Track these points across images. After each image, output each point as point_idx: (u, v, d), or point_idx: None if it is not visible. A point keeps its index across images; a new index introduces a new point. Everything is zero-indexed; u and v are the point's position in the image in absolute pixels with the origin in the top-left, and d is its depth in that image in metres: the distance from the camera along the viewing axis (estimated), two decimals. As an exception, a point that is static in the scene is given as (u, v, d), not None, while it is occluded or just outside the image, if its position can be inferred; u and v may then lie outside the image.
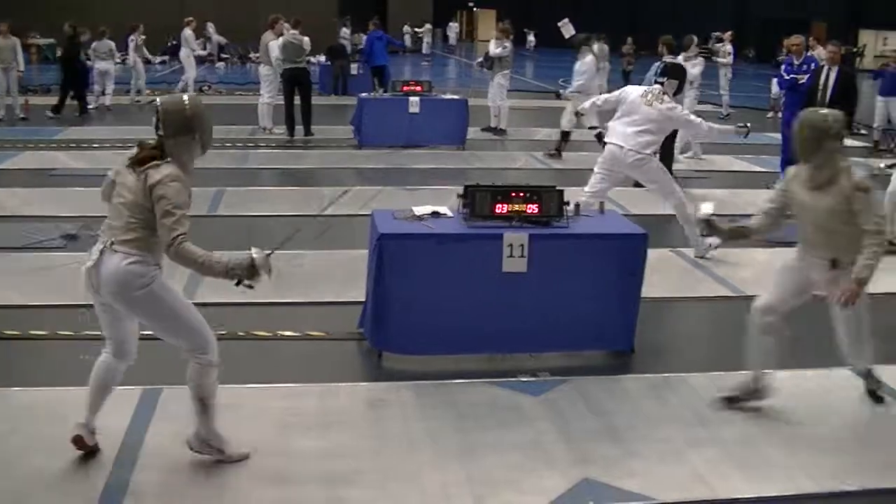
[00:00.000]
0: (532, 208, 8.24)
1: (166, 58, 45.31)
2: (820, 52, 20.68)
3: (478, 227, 8.18)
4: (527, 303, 8.24)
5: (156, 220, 5.93)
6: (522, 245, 8.09)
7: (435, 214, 8.50)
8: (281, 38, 21.05)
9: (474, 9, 73.03)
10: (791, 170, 7.41)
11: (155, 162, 6.00)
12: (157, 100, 6.24)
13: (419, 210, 8.55)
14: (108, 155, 18.34)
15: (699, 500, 6.27)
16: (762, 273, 11.10)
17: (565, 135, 19.72)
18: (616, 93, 12.13)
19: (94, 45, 25.94)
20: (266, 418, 7.11)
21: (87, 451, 6.42)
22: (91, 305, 6.38)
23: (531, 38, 66.81)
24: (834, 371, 8.27)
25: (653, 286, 8.81)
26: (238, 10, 42.89)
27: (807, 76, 16.70)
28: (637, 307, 8.50)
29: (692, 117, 11.84)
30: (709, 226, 7.57)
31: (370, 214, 8.75)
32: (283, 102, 21.40)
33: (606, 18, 61.52)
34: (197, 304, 9.59)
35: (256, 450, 6.54)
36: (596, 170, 11.86)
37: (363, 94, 21.53)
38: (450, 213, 8.53)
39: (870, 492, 6.46)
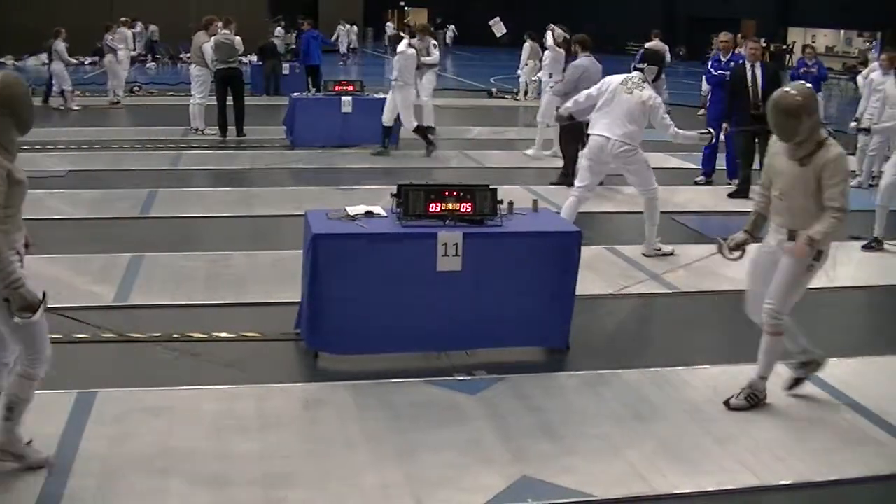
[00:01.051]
0: (466, 207, 8.24)
1: (96, 59, 44.94)
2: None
3: (412, 227, 8.17)
4: (462, 301, 8.24)
5: None
6: (456, 244, 8.09)
7: (369, 214, 8.48)
8: (213, 39, 20.93)
9: (406, 7, 73.01)
10: (772, 142, 7.46)
11: None
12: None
13: (353, 210, 8.53)
14: (39, 157, 18.22)
15: (637, 495, 6.29)
16: (695, 270, 11.24)
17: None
18: (596, 86, 12.15)
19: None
20: (202, 421, 7.06)
21: None
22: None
23: (450, 33, 66.85)
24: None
25: (587, 283, 8.86)
26: (169, 9, 42.63)
27: (728, 72, 16.95)
28: (572, 304, 8.52)
29: (667, 117, 11.78)
30: (735, 248, 7.76)
31: (303, 214, 8.72)
32: (214, 103, 21.29)
33: (535, 16, 61.81)
34: (128, 307, 9.62)
35: (48, 463, 6.36)
36: (583, 163, 11.91)
37: (295, 94, 21.45)
38: (384, 213, 8.52)
39: (806, 484, 6.53)
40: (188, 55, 23.43)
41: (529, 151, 19.72)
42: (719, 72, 17.31)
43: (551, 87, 18.85)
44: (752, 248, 7.79)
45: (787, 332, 7.55)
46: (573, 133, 16.31)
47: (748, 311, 7.79)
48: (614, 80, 11.89)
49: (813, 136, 7.09)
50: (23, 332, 6.00)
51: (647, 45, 22.81)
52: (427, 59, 21.76)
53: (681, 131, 11.91)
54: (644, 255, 11.99)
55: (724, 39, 18.16)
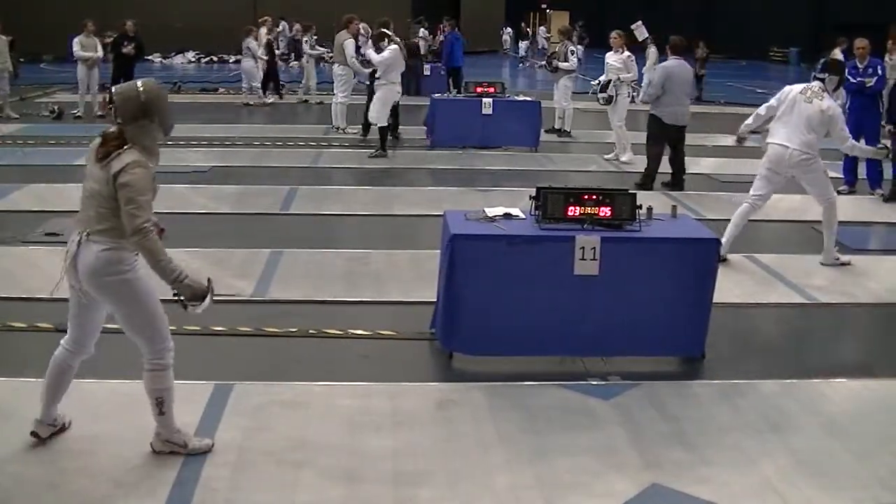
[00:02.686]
0: (604, 211, 8.21)
1: (240, 57, 45.65)
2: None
3: (550, 230, 8.16)
4: (598, 306, 8.21)
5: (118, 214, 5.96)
6: (594, 248, 8.06)
7: (507, 216, 8.49)
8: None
9: (547, 10, 72.76)
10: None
11: (117, 151, 5.99)
12: (113, 88, 6.25)
13: (491, 211, 8.55)
14: (183, 153, 18.58)
15: (770, 508, 6.22)
16: (836, 281, 11.05)
17: None
18: (775, 97, 12.04)
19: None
20: (336, 417, 7.14)
21: (44, 440, 6.52)
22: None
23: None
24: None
25: (725, 291, 8.75)
26: (311, 9, 43.11)
27: (874, 79, 16.55)
28: (709, 312, 8.43)
29: (846, 129, 11.70)
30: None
31: (442, 215, 8.77)
32: (355, 102, 21.54)
33: (676, 21, 61.25)
34: (266, 301, 9.76)
35: (211, 448, 6.57)
36: (760, 172, 11.83)
37: (436, 95, 21.56)
38: (522, 215, 8.52)
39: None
40: (331, 55, 23.67)
41: (625, 157, 19.34)
42: (858, 79, 16.78)
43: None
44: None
45: None
46: (658, 136, 16.52)
47: None
48: (794, 89, 11.80)
49: None
50: (143, 328, 6.24)
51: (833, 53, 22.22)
52: (564, 64, 21.74)
53: (857, 144, 11.94)
54: (822, 264, 11.83)
55: (861, 46, 17.72)
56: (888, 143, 12.42)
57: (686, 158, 16.99)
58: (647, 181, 16.42)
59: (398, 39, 19.38)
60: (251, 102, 27.39)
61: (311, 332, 8.93)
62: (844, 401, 7.81)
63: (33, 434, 6.48)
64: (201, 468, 6.32)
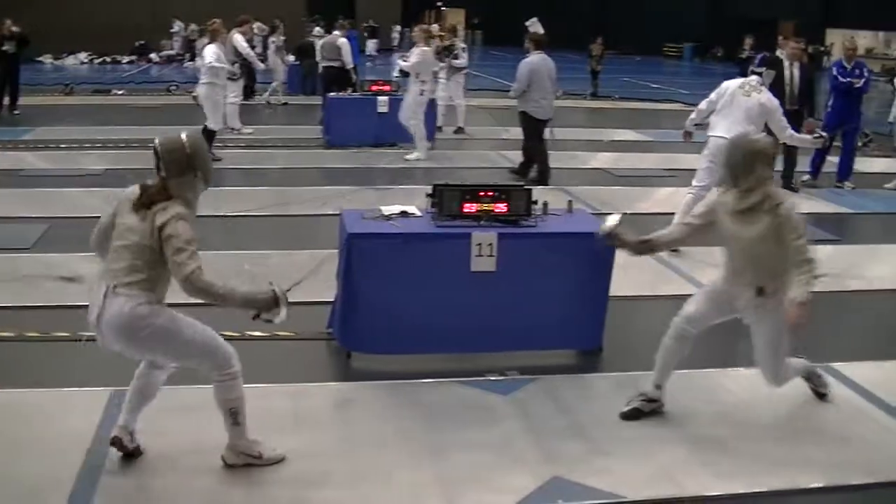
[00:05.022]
0: (500, 207, 8.24)
1: (134, 58, 45.33)
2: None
3: (446, 227, 8.18)
4: (495, 302, 8.24)
5: (161, 261, 5.94)
6: (491, 244, 8.09)
7: (403, 214, 8.49)
8: (322, 40, 21.08)
9: (442, 8, 72.93)
10: (714, 193, 7.33)
11: (161, 204, 5.96)
12: (156, 140, 6.12)
13: (388, 209, 8.55)
14: (76, 155, 18.34)
15: (668, 497, 6.29)
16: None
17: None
18: (714, 91, 12.40)
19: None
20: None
21: (127, 452, 6.40)
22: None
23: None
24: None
25: (621, 285, 8.82)
26: (207, 8, 42.77)
27: (862, 80, 16.92)
28: (605, 306, 8.51)
29: (784, 119, 12.06)
30: (612, 238, 7.37)
31: (339, 214, 8.74)
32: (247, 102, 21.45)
33: (573, 18, 61.76)
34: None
35: (284, 458, 6.53)
36: (702, 164, 12.11)
37: (332, 94, 21.47)
38: (418, 213, 8.53)
39: (836, 488, 6.51)
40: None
41: (412, 156, 19.15)
42: (847, 79, 17.03)
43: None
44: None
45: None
46: (533, 131, 17.08)
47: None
48: (732, 83, 12.26)
49: (762, 186, 6.92)
50: (194, 357, 6.24)
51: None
52: (456, 62, 21.86)
53: (796, 134, 12.36)
54: None
55: (851, 47, 17.87)
56: (822, 133, 12.71)
57: (583, 154, 17.12)
58: (542, 178, 16.75)
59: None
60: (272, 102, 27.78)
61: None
62: (740, 390, 7.92)
63: (114, 441, 6.40)
64: (98, 476, 6.23)
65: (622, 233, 7.34)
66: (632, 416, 7.32)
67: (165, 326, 6.04)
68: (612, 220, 7.35)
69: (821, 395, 7.84)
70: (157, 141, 6.10)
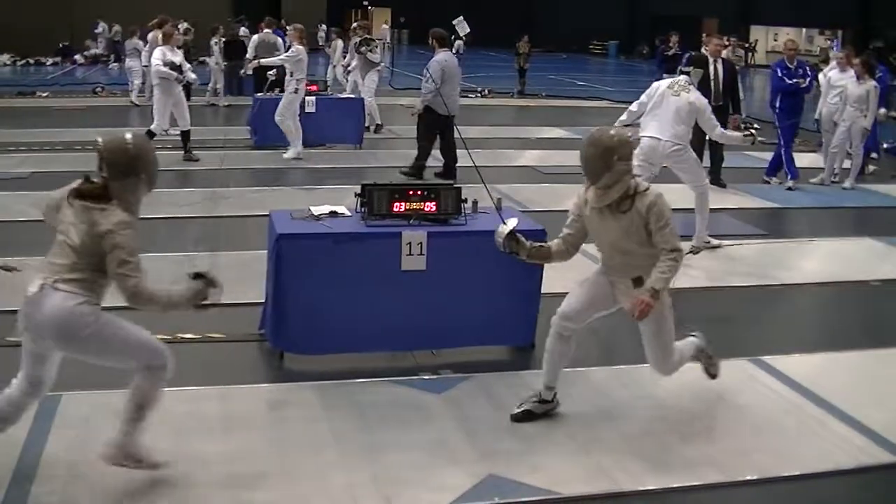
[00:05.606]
0: (430, 206, 8.24)
1: (58, 59, 44.88)
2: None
3: (376, 226, 8.16)
4: (427, 300, 8.24)
5: (103, 264, 5.82)
6: (421, 243, 8.10)
7: (333, 214, 8.47)
8: (256, 37, 20.91)
9: (369, 7, 72.86)
10: (580, 193, 7.24)
11: (101, 206, 5.85)
12: (98, 140, 6.02)
13: (317, 210, 8.52)
14: (1, 159, 18.13)
15: (603, 493, 6.31)
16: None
17: None
18: (645, 92, 12.51)
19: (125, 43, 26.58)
20: (166, 423, 6.98)
21: None
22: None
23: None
24: (730, 362, 8.40)
25: (553, 282, 8.84)
26: (127, 8, 42.43)
27: (807, 80, 17.07)
28: (538, 302, 8.54)
29: (713, 118, 12.19)
30: (511, 240, 7.19)
31: (268, 215, 8.70)
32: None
33: (499, 17, 61.93)
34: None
35: (167, 461, 6.33)
36: (635, 163, 12.02)
37: (258, 94, 21.35)
38: (348, 213, 8.51)
39: (771, 479, 6.58)
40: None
41: (288, 154, 19.04)
42: (793, 80, 17.12)
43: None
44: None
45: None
46: (431, 127, 17.12)
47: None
48: (661, 84, 12.42)
49: (622, 182, 6.89)
50: (126, 354, 6.12)
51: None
52: (372, 56, 21.99)
53: (726, 132, 12.53)
54: (694, 246, 12.30)
55: (791, 47, 17.81)
56: (754, 130, 12.86)
57: (511, 151, 17.16)
58: (417, 172, 16.99)
59: None
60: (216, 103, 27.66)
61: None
62: (671, 384, 7.96)
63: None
64: (30, 485, 6.14)
65: (519, 237, 7.22)
66: (523, 418, 7.25)
67: (105, 329, 5.95)
68: (510, 223, 7.26)
69: (711, 376, 7.89)
70: (100, 141, 6.00)
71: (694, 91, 12.06)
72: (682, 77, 12.26)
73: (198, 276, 6.14)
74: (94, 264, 5.84)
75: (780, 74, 17.27)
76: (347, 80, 24.16)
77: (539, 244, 7.36)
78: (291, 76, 18.54)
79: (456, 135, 16.36)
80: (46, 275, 5.89)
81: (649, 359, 7.33)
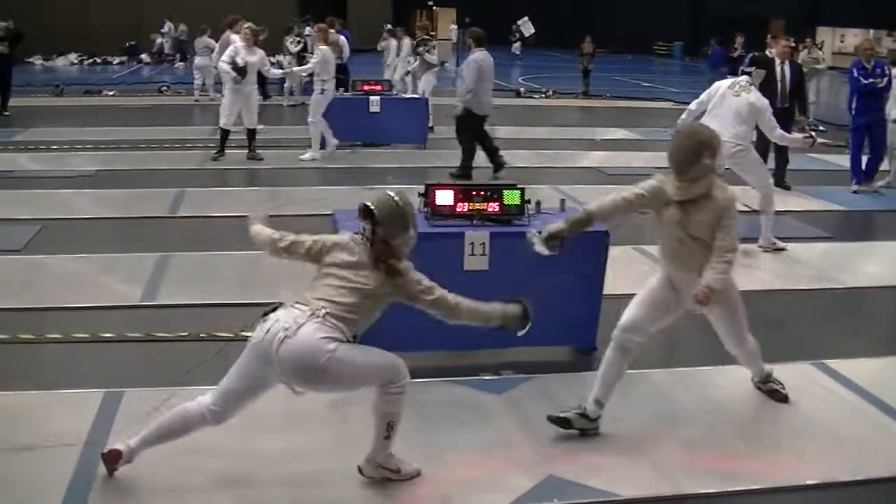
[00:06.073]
0: (493, 206, 8.24)
1: (124, 58, 45.28)
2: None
3: (439, 226, 8.17)
4: (489, 300, 8.21)
5: (371, 309, 6.23)
6: (483, 243, 8.10)
7: (396, 213, 8.47)
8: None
9: (434, 7, 72.88)
10: (658, 178, 7.10)
11: (396, 267, 6.26)
12: (369, 205, 6.25)
13: (380, 209, 8.52)
14: (67, 156, 18.31)
15: (664, 495, 6.29)
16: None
17: None
18: (705, 92, 12.59)
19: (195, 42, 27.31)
20: (228, 420, 7.05)
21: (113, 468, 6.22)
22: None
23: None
24: (793, 365, 8.35)
25: (615, 283, 8.81)
26: (195, 9, 42.74)
27: (885, 80, 16.74)
28: (599, 304, 8.51)
29: (773, 119, 12.15)
30: (549, 238, 6.97)
31: (331, 214, 8.73)
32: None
33: (564, 17, 61.77)
34: (155, 307, 9.64)
35: (420, 472, 6.45)
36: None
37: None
38: (411, 212, 8.51)
39: (832, 484, 6.51)
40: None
41: (306, 156, 19.07)
42: (869, 80, 16.74)
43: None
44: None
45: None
46: (472, 127, 17.07)
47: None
48: (722, 84, 12.44)
49: (707, 177, 6.88)
50: (367, 377, 6.17)
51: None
52: (429, 56, 22.05)
53: (786, 134, 12.49)
54: (760, 247, 12.43)
55: (868, 47, 17.61)
56: (813, 132, 12.78)
57: (575, 152, 17.13)
58: (466, 172, 17.02)
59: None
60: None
61: (201, 335, 8.84)
62: (733, 387, 7.92)
63: (113, 454, 6.19)
64: (92, 480, 6.21)
65: (553, 233, 6.99)
66: (558, 422, 7.07)
67: (340, 358, 5.95)
68: (554, 226, 7.04)
69: (781, 397, 7.78)
70: (371, 204, 6.32)
71: (754, 91, 12.04)
72: (744, 77, 12.26)
73: (519, 303, 6.44)
74: (368, 308, 6.23)
75: (855, 75, 16.97)
76: (405, 81, 24.29)
77: (577, 216, 7.11)
78: (318, 77, 18.64)
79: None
80: (314, 307, 6.05)
81: (728, 343, 7.37)
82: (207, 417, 6.15)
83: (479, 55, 17.11)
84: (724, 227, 6.80)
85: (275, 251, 6.81)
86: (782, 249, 12.46)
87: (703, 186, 6.83)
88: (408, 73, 24.45)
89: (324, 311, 5.96)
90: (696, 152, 6.81)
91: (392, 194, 6.34)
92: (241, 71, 17.97)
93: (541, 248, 6.99)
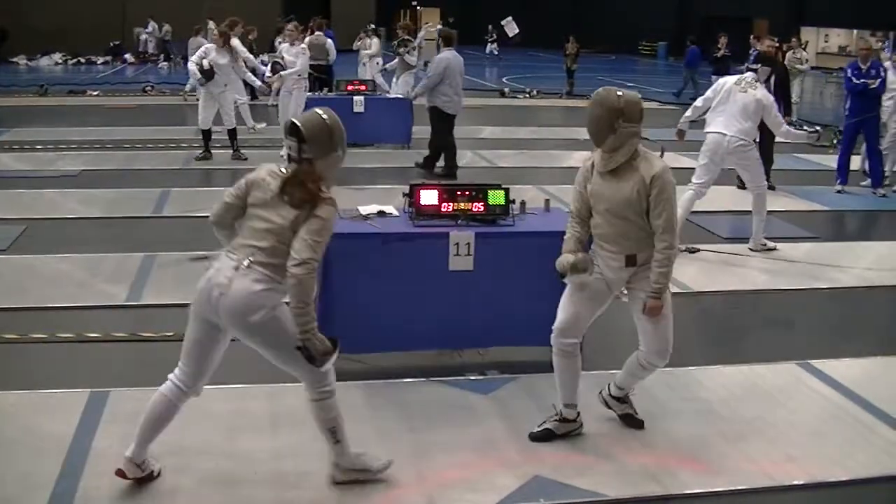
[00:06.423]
0: (478, 207, 8.24)
1: (108, 58, 45.20)
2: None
3: (424, 226, 8.17)
4: (474, 300, 8.24)
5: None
6: (468, 243, 8.09)
7: (381, 214, 8.48)
8: (307, 38, 21.05)
9: (417, 7, 72.89)
10: (587, 157, 6.92)
11: (322, 195, 5.87)
12: (295, 121, 6.02)
13: (365, 209, 8.53)
14: (52, 156, 18.26)
15: (649, 496, 6.30)
16: (709, 270, 11.27)
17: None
18: (709, 90, 12.69)
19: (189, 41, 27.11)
20: (213, 421, 7.06)
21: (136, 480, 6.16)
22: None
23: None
24: (779, 365, 8.38)
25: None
26: (180, 9, 42.70)
27: (878, 81, 16.73)
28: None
29: (779, 116, 12.40)
30: (574, 269, 6.76)
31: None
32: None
33: (549, 17, 61.82)
34: (140, 307, 9.63)
35: (391, 463, 6.41)
36: (701, 161, 12.39)
37: (308, 94, 21.42)
38: (396, 213, 8.52)
39: (819, 484, 6.53)
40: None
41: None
42: (861, 80, 16.75)
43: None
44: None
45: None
46: (442, 126, 17.38)
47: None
48: (728, 80, 12.54)
49: (627, 146, 6.59)
50: (298, 360, 5.90)
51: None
52: (409, 58, 22.15)
53: (792, 130, 12.70)
54: (751, 249, 12.51)
55: (864, 47, 17.64)
56: (819, 126, 12.81)
57: (559, 152, 17.15)
58: (451, 171, 17.45)
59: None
60: None
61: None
62: (718, 387, 7.95)
63: (119, 472, 6.10)
64: (78, 480, 6.20)
65: (576, 263, 6.78)
66: (543, 437, 7.00)
67: (282, 319, 5.84)
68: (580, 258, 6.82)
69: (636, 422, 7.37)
70: (295, 121, 5.99)
71: (761, 88, 12.19)
72: (749, 74, 12.39)
73: (333, 342, 5.92)
74: (281, 253, 5.79)
75: (849, 75, 17.02)
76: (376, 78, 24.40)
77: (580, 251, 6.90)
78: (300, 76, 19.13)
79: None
80: (242, 255, 5.85)
81: (644, 345, 6.98)
82: (182, 388, 6.10)
83: (447, 54, 17.31)
84: (658, 205, 6.48)
85: (226, 225, 6.27)
86: (773, 249, 12.52)
87: (623, 155, 6.57)
88: (383, 69, 24.57)
89: (247, 260, 5.81)
90: (606, 120, 6.56)
91: (320, 112, 6.07)
92: (206, 73, 17.97)
93: (578, 281, 6.82)
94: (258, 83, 19.81)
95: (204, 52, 18.28)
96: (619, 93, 6.68)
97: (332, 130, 6.00)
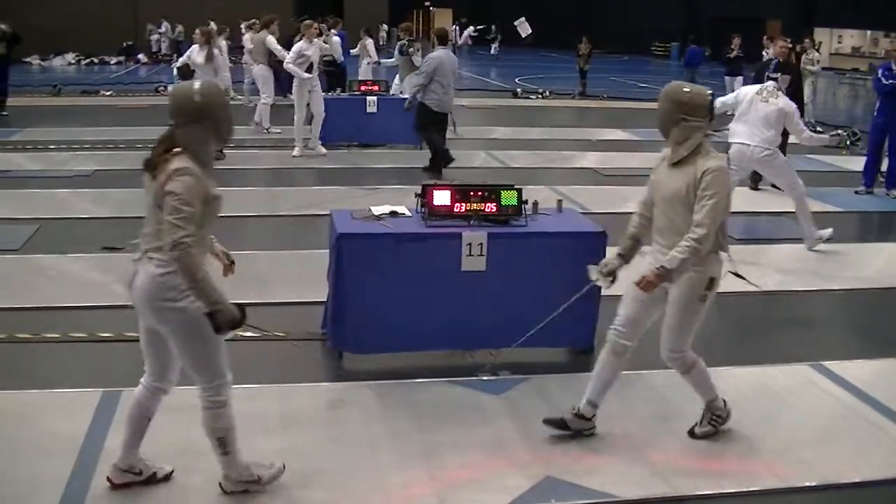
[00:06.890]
0: (490, 207, 8.24)
1: (121, 58, 45.29)
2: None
3: (436, 227, 8.17)
4: (486, 301, 8.24)
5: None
6: (481, 244, 8.10)
7: (393, 214, 8.49)
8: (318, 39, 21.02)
9: (430, 8, 72.96)
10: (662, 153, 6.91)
11: (165, 156, 5.59)
12: (169, 87, 5.97)
13: (377, 210, 8.54)
14: (65, 156, 18.29)
15: (660, 496, 6.29)
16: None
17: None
18: (731, 95, 12.85)
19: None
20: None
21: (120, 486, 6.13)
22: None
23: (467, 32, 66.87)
24: (791, 366, 8.36)
25: (614, 284, 8.81)
26: (192, 9, 42.71)
27: None
28: (597, 305, 8.49)
29: (801, 123, 12.44)
30: (606, 276, 6.94)
31: (329, 214, 8.73)
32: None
33: (561, 18, 61.80)
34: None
35: (283, 469, 6.33)
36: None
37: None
38: (408, 213, 8.53)
39: (830, 486, 6.52)
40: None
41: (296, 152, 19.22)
42: (890, 81, 16.53)
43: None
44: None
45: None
46: (429, 124, 17.38)
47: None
48: (750, 90, 12.59)
49: (691, 139, 6.58)
50: (198, 362, 5.78)
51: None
52: (416, 59, 22.07)
53: (815, 135, 12.84)
54: (809, 249, 12.65)
55: (894, 48, 17.62)
56: (841, 131, 12.82)
57: (572, 153, 17.14)
58: (436, 165, 17.42)
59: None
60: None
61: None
62: (729, 388, 7.92)
63: (107, 478, 6.11)
64: (91, 479, 6.21)
65: (605, 267, 6.96)
66: (554, 423, 7.00)
67: (190, 314, 5.63)
68: (593, 273, 7.00)
69: (694, 433, 7.23)
70: (169, 89, 5.94)
71: (783, 97, 12.25)
72: (770, 83, 12.49)
73: (242, 309, 5.71)
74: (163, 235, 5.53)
75: (879, 75, 16.87)
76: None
77: (625, 245, 7.06)
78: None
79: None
80: (142, 246, 5.74)
81: (662, 335, 6.98)
82: (149, 388, 6.06)
83: (440, 53, 17.36)
84: (702, 199, 6.45)
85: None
86: (829, 239, 12.76)
87: (686, 148, 6.59)
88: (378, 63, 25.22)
89: (143, 249, 5.71)
90: (670, 113, 6.63)
91: (197, 83, 5.85)
92: (182, 73, 18.13)
93: (596, 277, 6.95)
94: (305, 75, 19.41)
95: (189, 51, 18.45)
96: (686, 88, 6.77)
97: (196, 101, 5.69)
